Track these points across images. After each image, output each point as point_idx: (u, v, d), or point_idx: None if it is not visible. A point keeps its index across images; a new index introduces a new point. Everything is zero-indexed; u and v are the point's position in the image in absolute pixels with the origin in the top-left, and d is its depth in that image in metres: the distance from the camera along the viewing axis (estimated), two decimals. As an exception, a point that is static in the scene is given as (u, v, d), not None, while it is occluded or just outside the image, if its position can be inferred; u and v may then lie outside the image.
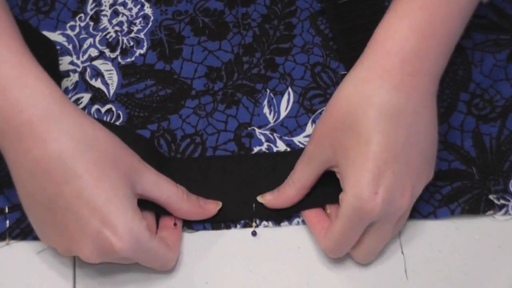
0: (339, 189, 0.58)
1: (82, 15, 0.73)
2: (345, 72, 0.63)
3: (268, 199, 0.63)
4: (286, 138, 0.67)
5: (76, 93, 0.70)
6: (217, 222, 0.64)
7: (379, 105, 0.56)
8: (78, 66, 0.71)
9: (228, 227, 0.64)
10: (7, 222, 0.64)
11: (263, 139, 0.67)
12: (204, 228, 0.64)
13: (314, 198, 0.63)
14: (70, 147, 0.54)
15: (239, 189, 0.65)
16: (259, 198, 0.64)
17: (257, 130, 0.68)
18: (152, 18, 0.73)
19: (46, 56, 0.64)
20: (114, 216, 0.54)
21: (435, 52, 0.58)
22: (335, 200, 0.59)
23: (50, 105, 0.55)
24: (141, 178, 0.58)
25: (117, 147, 0.58)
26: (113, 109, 0.69)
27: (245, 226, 0.64)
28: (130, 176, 0.57)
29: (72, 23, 0.73)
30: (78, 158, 0.54)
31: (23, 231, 0.63)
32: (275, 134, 0.68)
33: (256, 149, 0.67)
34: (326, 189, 0.62)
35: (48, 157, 0.54)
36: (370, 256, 0.62)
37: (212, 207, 0.64)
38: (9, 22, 0.58)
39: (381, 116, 0.56)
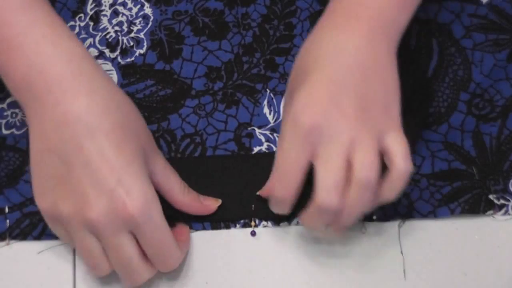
0: None
1: (82, 15, 0.73)
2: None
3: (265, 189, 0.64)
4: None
5: (76, 93, 0.70)
6: (216, 222, 0.64)
7: (339, 46, 0.59)
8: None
9: (227, 226, 0.64)
10: (7, 222, 0.64)
11: (263, 139, 0.67)
12: (204, 228, 0.64)
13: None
14: (99, 104, 0.56)
15: (238, 189, 0.65)
16: (260, 192, 0.64)
17: (257, 130, 0.68)
18: (152, 18, 0.73)
19: None
20: (131, 178, 0.55)
21: (398, 7, 0.61)
22: None
23: (82, 63, 0.57)
24: (153, 159, 0.59)
25: (139, 118, 0.60)
26: (113, 109, 0.69)
27: (245, 226, 0.64)
28: (145, 151, 0.58)
29: (72, 23, 0.72)
30: (106, 117, 0.56)
31: (23, 231, 0.63)
32: (275, 134, 0.68)
33: (256, 149, 0.67)
34: None
35: (77, 111, 0.55)
36: (330, 191, 0.57)
37: (211, 203, 0.64)
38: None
39: (339, 53, 0.59)
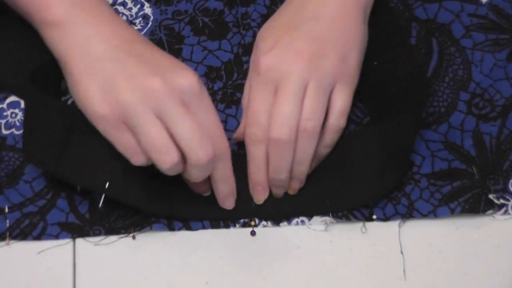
0: (337, 194, 0.61)
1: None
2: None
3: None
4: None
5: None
6: (216, 220, 0.64)
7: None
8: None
9: (227, 226, 0.64)
10: (7, 222, 0.63)
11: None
12: (203, 227, 0.64)
13: (311, 203, 0.64)
14: (129, 26, 0.64)
15: (238, 188, 0.64)
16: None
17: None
18: (152, 17, 0.73)
19: (48, 54, 0.64)
20: (184, 65, 0.60)
21: None
22: (336, 208, 0.63)
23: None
24: None
25: None
26: (113, 109, 0.68)
27: (244, 225, 0.64)
28: None
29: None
30: (139, 34, 0.64)
31: (23, 231, 0.63)
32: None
33: (256, 149, 0.67)
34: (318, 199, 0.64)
35: (124, 25, 0.63)
36: (287, 125, 0.61)
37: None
38: None
39: (290, 7, 0.66)
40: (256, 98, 0.63)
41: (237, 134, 0.66)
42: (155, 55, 0.60)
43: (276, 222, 0.64)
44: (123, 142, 0.58)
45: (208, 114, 0.58)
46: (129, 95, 0.56)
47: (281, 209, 0.64)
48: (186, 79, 0.57)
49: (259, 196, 0.64)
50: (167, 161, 0.56)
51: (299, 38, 0.63)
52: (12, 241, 0.63)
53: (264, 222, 0.64)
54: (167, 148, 0.56)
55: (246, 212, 0.64)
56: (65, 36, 0.61)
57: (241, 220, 0.64)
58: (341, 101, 0.63)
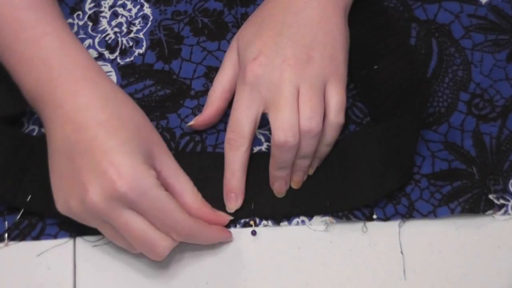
0: (337, 195, 0.61)
1: (80, 12, 0.73)
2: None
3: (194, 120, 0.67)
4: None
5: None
6: None
7: (278, 2, 0.65)
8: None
9: (228, 226, 0.64)
10: (6, 223, 0.63)
11: (262, 139, 0.67)
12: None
13: (312, 203, 0.64)
14: (97, 101, 0.59)
15: None
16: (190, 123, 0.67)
17: (257, 130, 0.67)
18: (151, 18, 0.73)
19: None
20: (121, 158, 0.56)
21: None
22: (337, 208, 0.63)
23: (86, 72, 0.61)
24: (160, 156, 0.61)
25: (142, 117, 0.62)
26: (112, 109, 0.68)
27: (245, 225, 0.64)
28: (150, 146, 0.60)
29: (70, 20, 0.72)
30: (102, 111, 0.58)
31: (22, 232, 0.63)
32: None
33: (256, 149, 0.67)
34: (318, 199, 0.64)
35: (76, 108, 0.58)
36: (288, 129, 0.62)
37: (224, 215, 0.64)
38: (53, 5, 0.64)
39: (274, 11, 0.65)
40: (240, 105, 0.63)
41: (195, 121, 0.67)
42: (97, 153, 0.57)
43: (277, 222, 0.64)
44: (110, 235, 0.59)
45: (153, 207, 0.57)
46: (73, 202, 0.58)
47: (282, 209, 0.64)
48: (118, 185, 0.55)
49: (231, 204, 0.64)
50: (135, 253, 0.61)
51: (285, 44, 0.63)
52: (10, 243, 0.63)
53: (264, 222, 0.64)
54: (127, 246, 0.59)
55: (247, 212, 0.64)
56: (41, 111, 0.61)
57: (242, 221, 0.64)
58: (336, 97, 0.63)
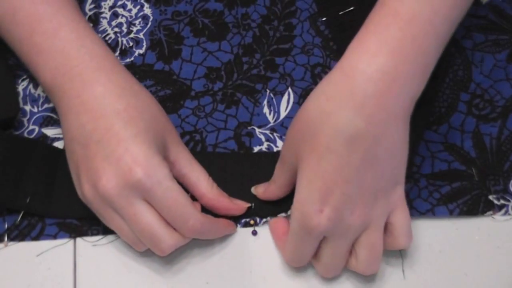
0: None
1: (80, 13, 0.73)
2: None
3: (259, 191, 0.64)
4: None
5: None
6: None
7: (336, 126, 0.55)
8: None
9: (229, 223, 0.64)
10: (6, 224, 0.63)
11: (263, 138, 0.67)
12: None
13: None
14: (114, 91, 0.59)
15: (239, 189, 0.64)
16: (253, 189, 0.64)
17: (257, 130, 0.67)
18: (151, 18, 0.73)
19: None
20: (137, 147, 0.57)
21: (406, 72, 0.56)
22: None
23: (102, 62, 0.61)
24: (175, 146, 0.61)
25: (157, 107, 0.62)
26: (113, 110, 0.68)
27: (246, 225, 0.64)
28: (164, 137, 0.60)
29: (70, 21, 0.73)
30: (119, 100, 0.59)
31: (21, 232, 0.63)
32: (275, 134, 0.67)
33: (256, 149, 0.67)
34: None
35: (93, 97, 0.59)
36: (329, 270, 0.61)
37: (242, 203, 0.64)
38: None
39: (337, 137, 0.55)
40: (302, 252, 0.59)
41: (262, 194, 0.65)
42: (112, 141, 0.57)
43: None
44: (117, 228, 0.59)
45: (166, 197, 0.57)
46: (87, 190, 0.58)
47: (281, 207, 0.64)
48: (134, 172, 0.56)
49: None
50: (139, 250, 0.61)
51: (350, 192, 0.56)
52: (10, 243, 0.63)
53: (264, 219, 0.64)
54: (134, 241, 0.59)
55: (247, 212, 0.64)
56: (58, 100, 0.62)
57: (242, 220, 0.64)
58: (403, 222, 0.59)
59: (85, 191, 0.58)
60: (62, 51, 0.61)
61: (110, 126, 0.57)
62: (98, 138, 0.57)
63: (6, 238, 0.63)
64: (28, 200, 0.63)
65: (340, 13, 0.73)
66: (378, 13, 0.57)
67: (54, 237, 0.63)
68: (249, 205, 0.64)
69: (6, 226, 0.63)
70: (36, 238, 0.63)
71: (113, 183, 0.56)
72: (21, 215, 0.63)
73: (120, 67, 0.62)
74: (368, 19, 0.58)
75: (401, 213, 0.59)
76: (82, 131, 0.58)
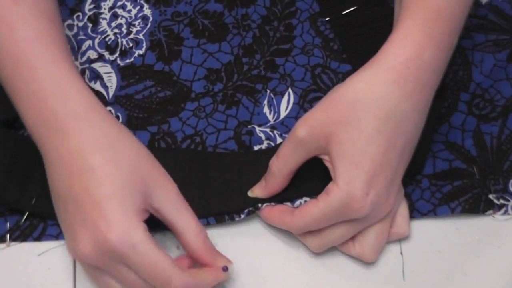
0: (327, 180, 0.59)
1: (79, 14, 0.73)
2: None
3: (257, 192, 0.63)
4: (287, 135, 0.66)
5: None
6: (220, 215, 0.64)
7: (388, 109, 0.57)
8: (77, 68, 0.70)
9: (232, 218, 0.64)
10: (8, 224, 0.64)
11: (263, 137, 0.67)
12: (208, 223, 0.64)
13: (309, 187, 0.63)
14: (89, 142, 0.57)
15: (238, 187, 0.64)
16: (250, 193, 0.64)
17: (257, 128, 0.67)
18: (151, 18, 0.73)
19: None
20: (112, 211, 0.55)
21: (442, 65, 0.60)
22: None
23: (78, 108, 0.58)
24: (160, 193, 0.58)
25: (140, 154, 0.59)
26: (112, 111, 0.68)
27: (249, 214, 0.64)
28: (147, 187, 0.57)
29: (69, 21, 0.72)
30: (95, 154, 0.57)
31: (23, 232, 0.63)
32: (275, 132, 0.67)
33: (256, 148, 0.67)
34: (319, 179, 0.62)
35: (68, 152, 0.57)
36: (324, 247, 0.61)
37: (225, 261, 0.60)
38: (57, 37, 0.62)
39: (388, 120, 0.57)
40: (321, 219, 0.59)
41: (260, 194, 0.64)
42: (87, 203, 0.56)
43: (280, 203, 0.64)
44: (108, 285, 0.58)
45: (143, 263, 0.55)
46: (71, 251, 0.57)
47: (285, 194, 0.64)
48: (109, 240, 0.54)
49: None
50: None
51: (390, 177, 0.58)
52: (12, 243, 0.63)
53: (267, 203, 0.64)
54: None
55: (250, 201, 0.64)
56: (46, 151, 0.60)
57: (246, 210, 0.64)
58: (403, 209, 0.63)
59: (69, 249, 0.57)
60: (40, 99, 0.58)
61: (85, 185, 0.55)
62: (75, 197, 0.56)
63: (8, 239, 0.63)
64: (34, 201, 0.63)
65: (344, 12, 0.73)
66: (418, 9, 0.60)
67: (56, 237, 0.63)
68: (231, 263, 0.60)
69: (8, 226, 0.63)
70: (38, 238, 0.63)
71: (90, 249, 0.55)
72: (25, 216, 0.63)
73: (98, 112, 0.60)
74: (407, 13, 0.60)
75: (403, 201, 0.62)
76: (62, 186, 0.57)
